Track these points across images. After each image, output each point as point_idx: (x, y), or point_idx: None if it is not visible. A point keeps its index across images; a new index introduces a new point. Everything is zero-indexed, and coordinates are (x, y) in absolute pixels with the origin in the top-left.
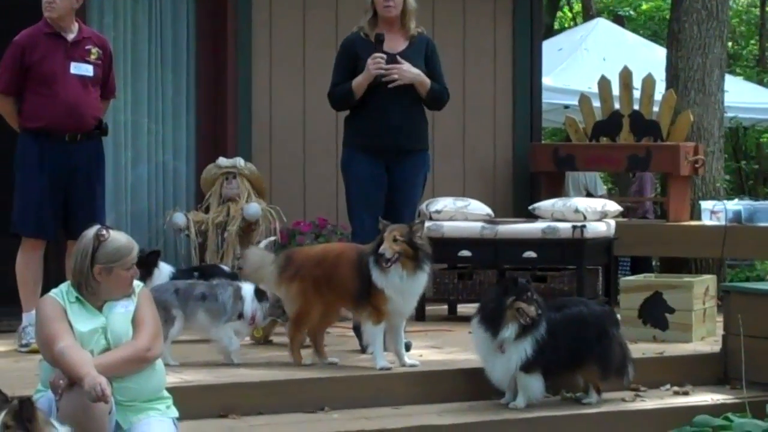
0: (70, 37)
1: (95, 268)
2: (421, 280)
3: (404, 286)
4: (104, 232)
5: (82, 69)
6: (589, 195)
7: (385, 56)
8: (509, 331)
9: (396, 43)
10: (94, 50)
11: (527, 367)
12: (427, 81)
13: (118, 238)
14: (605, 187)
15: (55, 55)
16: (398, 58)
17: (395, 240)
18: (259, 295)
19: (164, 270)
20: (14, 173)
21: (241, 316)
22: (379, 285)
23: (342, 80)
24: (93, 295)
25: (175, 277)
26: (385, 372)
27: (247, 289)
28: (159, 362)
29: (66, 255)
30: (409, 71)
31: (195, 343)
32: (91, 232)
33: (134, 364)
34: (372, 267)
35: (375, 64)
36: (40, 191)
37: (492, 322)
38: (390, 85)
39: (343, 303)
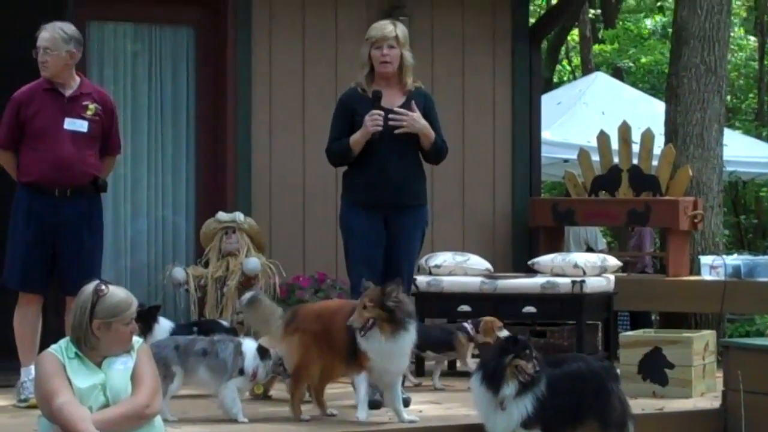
0: (68, 92)
1: (94, 323)
2: (403, 341)
3: (384, 349)
4: (103, 287)
5: (76, 125)
6: (589, 249)
7: (383, 113)
8: (510, 389)
9: (393, 98)
10: (92, 106)
11: (527, 423)
12: (432, 133)
13: (116, 293)
14: (605, 241)
15: (50, 111)
16: (413, 104)
17: (365, 307)
18: (262, 352)
19: (164, 325)
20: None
21: (242, 372)
22: (362, 347)
23: (339, 136)
24: (92, 350)
25: (174, 332)
26: (384, 428)
27: (249, 345)
28: (158, 419)
29: (65, 311)
30: (419, 121)
31: (194, 399)
32: (90, 287)
33: (133, 421)
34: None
35: (372, 121)
36: (25, 245)
37: (492, 380)
38: (396, 131)
39: (338, 358)
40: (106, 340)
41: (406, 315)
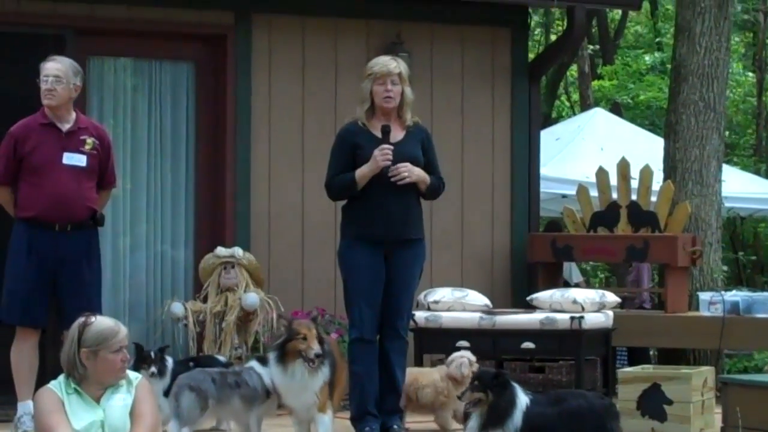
0: (66, 127)
1: (82, 352)
2: (319, 376)
3: (297, 384)
4: (91, 317)
5: (75, 159)
6: (565, 284)
7: (392, 147)
8: (473, 421)
9: (393, 133)
10: (90, 140)
11: None
12: (428, 178)
13: (103, 321)
14: (580, 275)
15: (48, 146)
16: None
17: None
18: (262, 362)
19: (168, 363)
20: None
21: (268, 394)
22: (276, 381)
23: (341, 171)
24: (84, 381)
25: (175, 368)
26: None
27: (257, 365)
28: None
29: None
30: (414, 170)
31: None
32: (80, 319)
33: None
34: (273, 363)
35: (383, 155)
36: (26, 280)
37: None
38: (399, 183)
39: None
40: (95, 370)
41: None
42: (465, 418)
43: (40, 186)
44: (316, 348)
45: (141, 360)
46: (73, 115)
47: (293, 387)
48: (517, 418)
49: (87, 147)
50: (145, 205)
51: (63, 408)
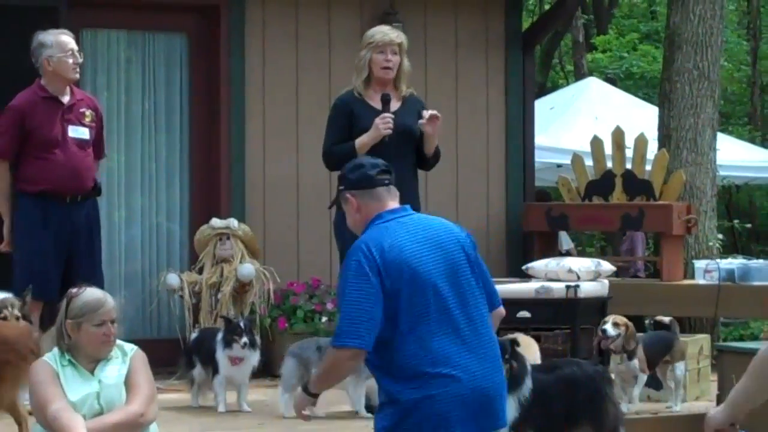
0: (66, 100)
1: (67, 323)
2: None
3: None
4: (81, 288)
5: (79, 132)
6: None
7: (393, 116)
8: None
9: (390, 103)
10: (88, 113)
11: (516, 427)
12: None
13: (91, 293)
14: (597, 244)
15: (54, 119)
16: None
17: None
18: None
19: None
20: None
21: None
22: None
23: (338, 140)
24: (74, 352)
25: None
26: None
27: None
28: (153, 426)
29: None
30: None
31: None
32: (71, 290)
33: (127, 429)
34: None
35: (384, 123)
36: (45, 253)
37: None
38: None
39: None
40: (79, 342)
41: None
42: None
43: (51, 160)
44: None
45: (231, 332)
46: (68, 87)
47: None
48: (528, 383)
49: (87, 119)
50: (140, 177)
51: (58, 380)
